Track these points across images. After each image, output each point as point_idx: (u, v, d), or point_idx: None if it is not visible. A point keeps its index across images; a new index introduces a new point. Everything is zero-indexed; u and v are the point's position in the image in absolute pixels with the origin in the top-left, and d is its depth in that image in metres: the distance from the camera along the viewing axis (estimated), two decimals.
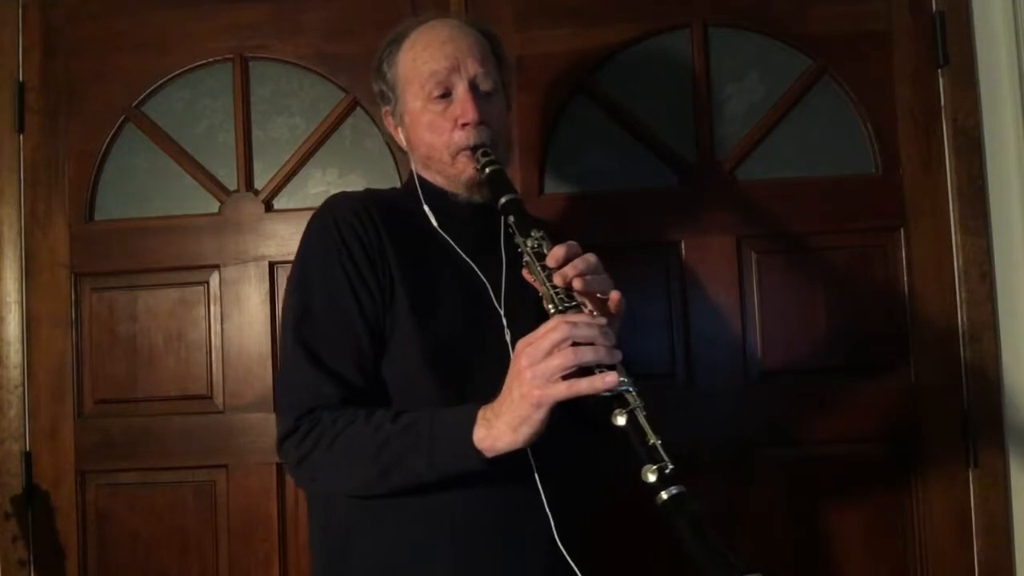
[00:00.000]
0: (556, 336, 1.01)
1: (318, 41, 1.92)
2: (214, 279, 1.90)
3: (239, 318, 1.88)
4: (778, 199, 1.84)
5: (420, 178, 1.37)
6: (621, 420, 0.98)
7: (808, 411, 1.80)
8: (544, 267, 1.12)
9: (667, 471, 0.94)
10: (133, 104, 1.93)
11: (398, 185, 1.65)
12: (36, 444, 1.89)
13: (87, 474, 1.89)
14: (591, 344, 1.01)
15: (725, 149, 1.87)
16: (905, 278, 1.82)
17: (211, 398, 1.88)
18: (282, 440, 1.20)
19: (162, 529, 1.87)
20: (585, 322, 1.03)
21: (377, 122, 1.86)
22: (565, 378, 1.01)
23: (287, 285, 1.30)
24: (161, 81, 1.93)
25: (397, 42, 1.36)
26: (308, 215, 1.32)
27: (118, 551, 1.88)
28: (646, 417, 0.98)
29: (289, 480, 1.83)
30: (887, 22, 1.85)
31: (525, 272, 1.18)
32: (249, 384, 1.87)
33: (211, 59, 1.94)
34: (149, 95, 1.94)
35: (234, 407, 1.87)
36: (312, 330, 1.21)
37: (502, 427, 1.05)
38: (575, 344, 1.01)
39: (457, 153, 1.29)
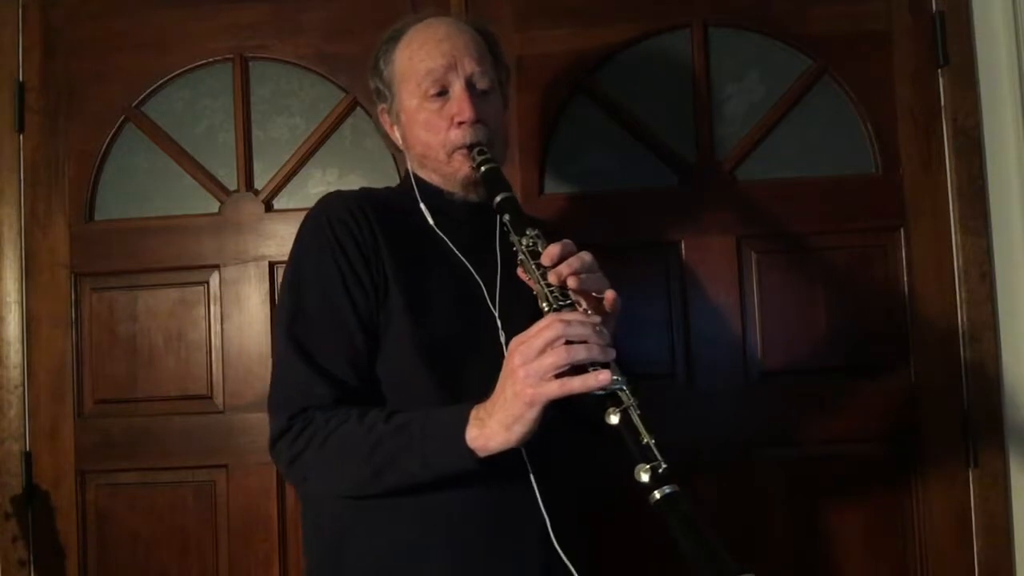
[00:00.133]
0: (549, 334, 1.01)
1: (318, 41, 1.92)
2: (214, 279, 1.90)
3: (239, 318, 1.89)
4: (778, 199, 1.84)
5: (416, 176, 1.37)
6: (614, 419, 0.97)
7: (808, 411, 1.80)
8: (539, 265, 1.11)
9: (660, 470, 0.93)
10: (133, 104, 1.93)
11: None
12: (36, 444, 1.89)
13: (87, 474, 1.89)
14: (584, 342, 1.00)
15: (725, 149, 1.86)
16: (905, 278, 1.82)
17: (211, 398, 1.88)
18: (275, 439, 1.19)
19: (162, 529, 1.87)
20: (579, 320, 1.02)
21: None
22: (558, 376, 1.00)
23: (281, 283, 1.29)
24: (161, 81, 1.94)
25: (394, 39, 1.35)
26: None
27: (118, 551, 1.88)
28: (640, 416, 0.97)
29: None
30: (887, 22, 1.85)
31: (520, 271, 1.18)
32: (249, 384, 1.86)
33: (211, 59, 1.94)
34: (149, 95, 1.94)
35: (234, 407, 1.87)
36: (305, 329, 1.21)
37: (495, 426, 1.04)
38: (569, 342, 1.00)
39: (453, 151, 1.29)
